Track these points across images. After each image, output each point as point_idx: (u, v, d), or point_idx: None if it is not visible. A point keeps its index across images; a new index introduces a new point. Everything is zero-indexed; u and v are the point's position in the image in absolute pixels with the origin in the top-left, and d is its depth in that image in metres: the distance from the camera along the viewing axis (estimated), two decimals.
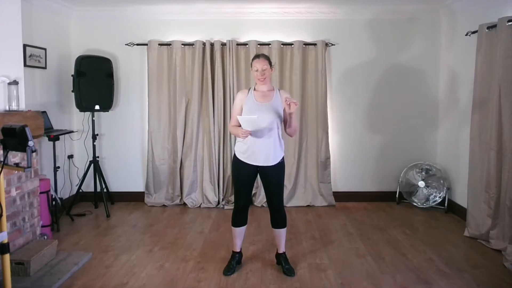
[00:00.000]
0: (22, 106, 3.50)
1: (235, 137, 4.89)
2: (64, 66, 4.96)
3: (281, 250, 3.31)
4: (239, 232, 3.29)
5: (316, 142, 5.10)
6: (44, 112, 4.29)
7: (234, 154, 3.20)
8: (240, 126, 3.05)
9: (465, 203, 4.23)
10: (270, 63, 3.12)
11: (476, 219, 3.96)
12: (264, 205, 5.00)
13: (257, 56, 3.15)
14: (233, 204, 3.36)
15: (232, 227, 3.30)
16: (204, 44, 4.98)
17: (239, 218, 3.26)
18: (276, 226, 3.25)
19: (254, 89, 3.17)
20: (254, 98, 3.12)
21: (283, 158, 3.17)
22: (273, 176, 3.14)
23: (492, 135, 3.72)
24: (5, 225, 2.40)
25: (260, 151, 3.05)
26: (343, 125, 5.23)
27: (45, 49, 4.53)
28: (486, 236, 3.83)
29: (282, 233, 3.27)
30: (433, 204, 4.92)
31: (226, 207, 5.01)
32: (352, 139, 5.25)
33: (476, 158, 3.98)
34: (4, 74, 3.31)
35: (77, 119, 5.15)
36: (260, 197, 5.09)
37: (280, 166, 3.14)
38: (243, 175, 3.16)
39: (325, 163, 5.11)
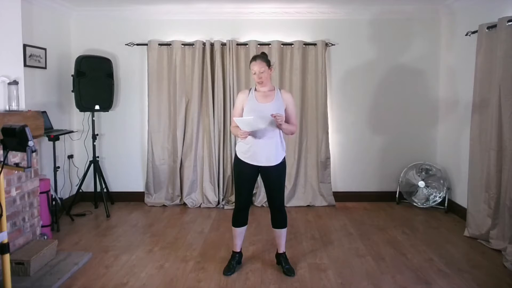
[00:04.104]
0: (22, 106, 3.50)
1: (235, 137, 4.90)
2: (64, 66, 4.96)
3: (281, 250, 3.31)
4: (240, 232, 3.29)
5: (316, 142, 5.10)
6: (44, 112, 4.29)
7: (235, 154, 3.20)
8: None
9: (465, 203, 4.23)
10: (268, 64, 3.09)
11: (476, 219, 3.96)
12: (264, 205, 5.00)
13: (253, 59, 3.11)
14: (234, 204, 3.36)
15: (233, 227, 3.29)
16: (204, 44, 4.98)
17: (239, 218, 3.26)
18: (277, 226, 3.25)
19: (255, 90, 3.17)
20: (255, 98, 3.12)
21: (284, 158, 3.17)
22: (274, 176, 3.14)
23: (492, 135, 3.72)
24: (5, 225, 2.40)
25: (261, 151, 3.05)
26: (343, 125, 5.23)
27: (45, 49, 4.53)
28: (486, 236, 3.83)
29: (282, 233, 3.27)
30: (433, 204, 4.92)
31: (226, 207, 5.01)
32: (352, 139, 5.24)
33: (476, 158, 3.98)
34: (4, 74, 3.31)
35: (77, 119, 5.15)
36: (260, 197, 5.09)
37: (281, 167, 3.14)
38: (244, 175, 3.16)
39: (325, 163, 5.10)
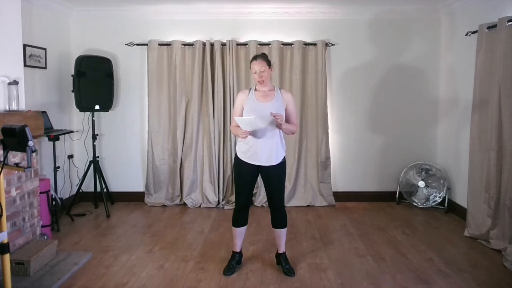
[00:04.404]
0: (22, 106, 3.50)
1: (235, 136, 4.90)
2: (64, 66, 4.96)
3: (281, 250, 3.31)
4: (240, 232, 3.29)
5: (316, 142, 5.10)
6: (44, 112, 4.29)
7: (236, 154, 3.19)
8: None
9: (465, 203, 4.23)
10: (268, 63, 3.10)
11: (476, 219, 3.96)
12: (264, 205, 5.00)
13: (254, 58, 3.13)
14: (234, 204, 3.34)
15: (233, 227, 3.29)
16: (204, 44, 4.98)
17: (239, 218, 3.25)
18: (277, 226, 3.25)
19: (255, 89, 3.17)
20: (255, 98, 3.12)
21: (284, 158, 3.17)
22: (275, 176, 3.14)
23: (492, 135, 3.72)
24: (5, 225, 2.40)
25: (261, 151, 3.05)
26: (343, 125, 5.23)
27: (45, 49, 4.53)
28: (486, 236, 3.82)
29: (282, 233, 3.27)
30: (433, 204, 4.92)
31: (226, 207, 5.01)
32: (352, 139, 5.25)
33: (476, 158, 3.98)
34: (4, 74, 3.31)
35: (77, 119, 5.15)
36: (260, 197, 5.09)
37: (281, 166, 3.14)
38: (244, 175, 3.16)
39: (325, 163, 5.10)
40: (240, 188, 3.21)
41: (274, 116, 2.93)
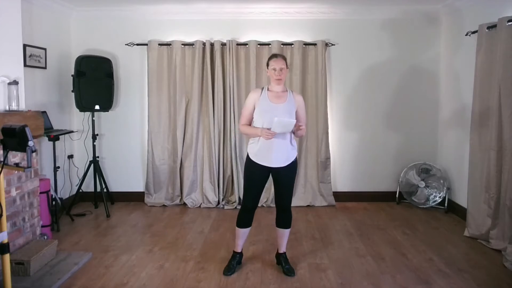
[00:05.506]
0: (22, 106, 3.50)
1: (235, 136, 4.91)
2: (64, 66, 4.96)
3: (282, 250, 3.31)
4: (243, 233, 3.27)
5: (316, 142, 5.10)
6: (44, 112, 4.29)
7: (247, 155, 3.17)
8: (250, 125, 3.09)
9: (465, 203, 4.23)
10: (287, 64, 3.13)
11: (476, 219, 3.96)
12: (265, 205, 5.00)
13: (274, 56, 3.14)
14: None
15: (237, 228, 3.27)
16: (204, 44, 4.98)
17: (245, 219, 3.23)
18: (281, 226, 3.25)
19: (268, 89, 3.16)
20: (268, 98, 3.10)
21: (296, 158, 3.16)
22: (286, 176, 3.13)
23: (492, 135, 3.72)
24: (5, 225, 2.40)
25: (274, 153, 3.03)
26: (343, 125, 5.23)
27: (45, 49, 4.53)
28: (486, 236, 3.82)
29: (286, 233, 3.27)
30: (433, 204, 4.92)
31: (226, 207, 5.00)
32: (352, 139, 5.24)
33: (476, 158, 3.98)
34: (4, 74, 3.31)
35: (77, 119, 5.15)
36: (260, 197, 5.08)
37: (293, 167, 3.14)
38: (255, 176, 3.14)
39: (325, 163, 5.10)
40: (249, 189, 3.18)
41: (299, 127, 2.98)
